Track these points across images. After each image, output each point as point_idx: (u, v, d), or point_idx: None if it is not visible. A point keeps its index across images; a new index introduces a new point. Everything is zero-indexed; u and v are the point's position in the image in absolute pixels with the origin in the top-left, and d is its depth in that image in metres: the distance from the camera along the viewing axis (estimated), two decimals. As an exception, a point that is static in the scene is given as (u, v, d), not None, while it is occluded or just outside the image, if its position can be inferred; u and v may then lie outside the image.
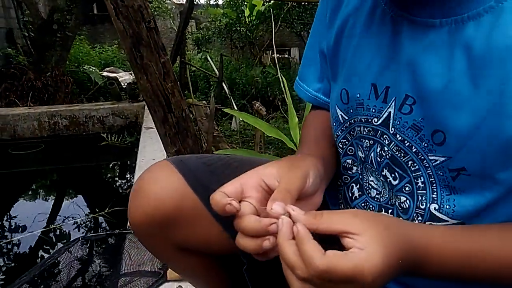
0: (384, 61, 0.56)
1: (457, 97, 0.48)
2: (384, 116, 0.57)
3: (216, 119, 4.24)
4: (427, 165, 0.53)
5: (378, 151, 0.59)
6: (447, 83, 0.48)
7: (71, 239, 2.09)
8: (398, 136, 0.55)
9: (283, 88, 2.62)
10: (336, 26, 0.65)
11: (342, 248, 0.42)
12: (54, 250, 2.08)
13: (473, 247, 0.48)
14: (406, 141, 0.54)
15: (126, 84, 5.04)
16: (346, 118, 0.64)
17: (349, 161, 0.67)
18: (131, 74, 5.56)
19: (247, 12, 7.54)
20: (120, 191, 3.28)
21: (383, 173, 0.59)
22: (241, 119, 3.12)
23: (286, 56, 9.53)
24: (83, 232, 2.44)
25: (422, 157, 0.53)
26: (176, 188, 0.67)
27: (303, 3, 7.11)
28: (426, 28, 0.51)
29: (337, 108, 0.66)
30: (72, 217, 2.60)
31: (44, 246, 2.31)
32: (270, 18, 6.21)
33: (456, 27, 0.48)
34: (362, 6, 0.61)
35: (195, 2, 3.99)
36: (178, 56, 4.36)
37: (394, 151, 0.56)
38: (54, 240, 2.36)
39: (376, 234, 0.42)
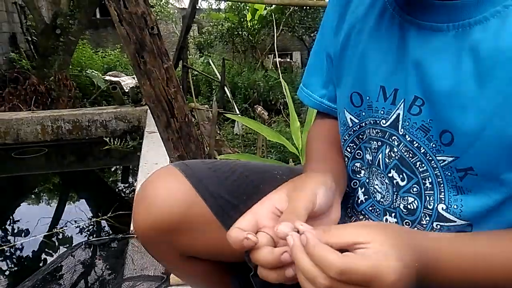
0: (392, 64, 0.57)
1: (464, 98, 0.49)
2: (393, 117, 0.57)
3: (218, 123, 4.25)
4: (434, 165, 0.54)
5: (386, 152, 0.59)
6: (454, 85, 0.49)
7: (74, 244, 2.10)
8: (407, 136, 0.56)
9: (285, 92, 2.62)
10: (343, 32, 0.66)
11: None
12: (57, 255, 2.09)
13: (480, 252, 0.48)
14: (415, 142, 0.55)
15: (128, 88, 5.06)
16: (357, 121, 0.64)
17: (358, 164, 0.67)
18: (133, 78, 5.58)
19: (249, 17, 7.57)
20: (123, 195, 3.28)
21: (390, 175, 0.59)
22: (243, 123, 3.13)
23: (288, 60, 9.54)
24: (86, 236, 2.45)
25: (430, 158, 0.54)
26: (184, 194, 0.66)
27: (305, 8, 7.13)
28: (433, 32, 0.52)
29: (345, 111, 0.66)
30: (75, 221, 2.61)
31: (47, 250, 2.32)
32: (272, 23, 6.24)
33: (463, 31, 0.49)
34: (370, 12, 0.62)
35: (197, 7, 4.01)
36: (181, 61, 4.37)
37: (403, 151, 0.57)
38: (57, 244, 2.37)
39: (387, 239, 0.42)
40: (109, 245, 1.98)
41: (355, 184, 0.69)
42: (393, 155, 0.58)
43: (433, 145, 0.53)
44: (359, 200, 0.68)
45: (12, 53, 5.99)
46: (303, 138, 2.07)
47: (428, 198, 0.56)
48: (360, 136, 0.65)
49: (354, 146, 0.67)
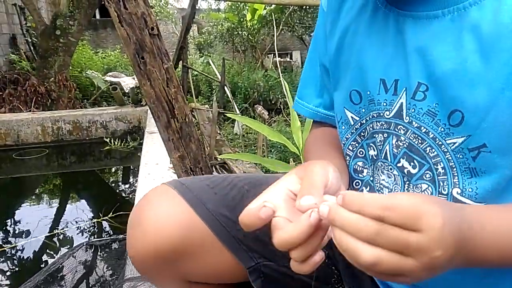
0: (390, 57, 0.58)
1: (471, 74, 0.49)
2: (396, 107, 0.58)
3: (218, 123, 4.25)
4: (445, 149, 0.54)
5: (393, 143, 0.59)
6: (459, 64, 0.50)
7: (75, 244, 2.10)
8: (414, 123, 0.56)
9: (285, 92, 2.62)
10: (337, 34, 0.67)
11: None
12: (58, 256, 2.09)
13: None
14: (422, 127, 0.55)
15: (129, 88, 5.06)
16: (357, 118, 0.65)
17: (360, 163, 0.67)
18: (133, 78, 5.58)
19: (248, 16, 7.58)
20: (124, 195, 3.29)
21: (399, 165, 0.59)
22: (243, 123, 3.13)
23: (288, 59, 9.56)
24: (87, 237, 2.45)
25: (440, 142, 0.54)
26: (182, 217, 0.63)
27: (304, 7, 7.13)
28: (430, 20, 0.53)
29: (345, 110, 0.66)
30: (76, 222, 2.61)
31: (48, 251, 2.32)
32: (272, 22, 6.24)
33: (459, 14, 0.50)
34: (362, 13, 0.63)
35: (197, 7, 4.01)
36: (181, 61, 4.38)
37: (411, 138, 0.57)
38: (58, 245, 2.37)
39: (426, 198, 0.41)
40: (110, 246, 1.97)
41: (357, 184, 0.69)
42: (401, 144, 0.58)
43: (442, 129, 0.53)
44: None
45: (12, 55, 6.00)
46: (303, 138, 2.07)
47: (442, 184, 0.55)
48: (362, 134, 0.65)
49: (356, 145, 0.67)
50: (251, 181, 0.72)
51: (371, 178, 0.66)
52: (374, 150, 0.63)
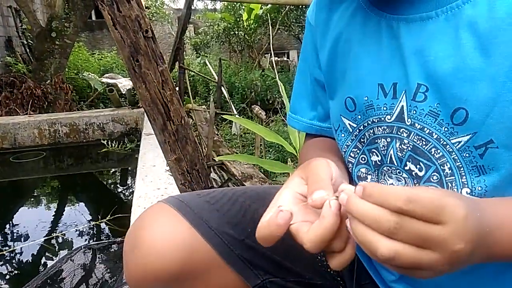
0: (386, 61, 0.57)
1: (472, 71, 0.49)
2: (397, 111, 0.57)
3: (216, 124, 4.25)
4: (450, 149, 0.53)
5: (397, 146, 0.58)
6: (459, 61, 0.50)
7: (74, 247, 2.10)
8: (417, 125, 0.55)
9: (281, 92, 2.62)
10: (328, 44, 0.67)
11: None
12: (57, 259, 2.09)
13: None
14: (425, 128, 0.54)
15: (125, 90, 5.05)
16: (355, 125, 0.64)
17: (363, 170, 0.66)
18: (130, 80, 5.56)
19: (245, 16, 7.57)
20: (122, 197, 3.28)
21: (407, 168, 0.58)
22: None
23: (285, 59, 9.56)
24: (85, 240, 2.44)
25: (445, 143, 0.53)
26: (183, 237, 0.60)
27: (300, 6, 7.12)
28: (424, 21, 0.53)
29: (342, 118, 0.66)
30: (75, 225, 2.61)
31: (47, 255, 2.32)
32: (268, 22, 6.23)
33: (453, 13, 0.50)
34: (352, 21, 0.63)
35: (193, 7, 4.00)
36: (177, 62, 4.37)
37: (415, 141, 0.56)
38: (56, 249, 2.36)
39: (446, 192, 0.41)
40: (108, 249, 1.97)
41: None
42: (405, 147, 0.57)
43: (445, 129, 0.53)
44: None
45: (8, 57, 5.98)
46: (300, 138, 2.07)
47: (450, 185, 0.54)
48: (362, 140, 0.64)
49: (358, 151, 0.66)
50: (251, 195, 0.71)
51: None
52: (378, 156, 0.62)
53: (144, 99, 1.34)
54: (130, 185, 3.48)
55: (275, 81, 5.76)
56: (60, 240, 2.45)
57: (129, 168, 3.94)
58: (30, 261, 2.26)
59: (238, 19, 7.84)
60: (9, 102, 4.96)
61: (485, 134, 0.50)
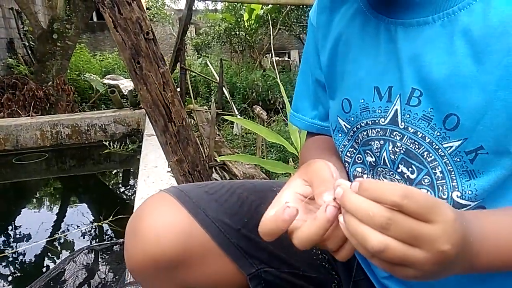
0: (383, 65, 0.58)
1: (465, 78, 0.50)
2: (391, 114, 0.58)
3: (217, 124, 4.25)
4: (442, 154, 0.54)
5: (390, 149, 0.59)
6: (452, 68, 0.50)
7: (76, 248, 2.10)
8: (410, 128, 0.56)
9: (282, 93, 2.62)
10: (328, 46, 0.68)
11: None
12: (60, 260, 2.09)
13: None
14: (418, 132, 0.55)
15: (127, 91, 5.06)
16: (349, 126, 0.65)
17: (359, 169, 0.67)
18: (132, 81, 5.56)
19: (246, 16, 7.57)
20: (124, 198, 3.29)
21: (399, 170, 0.59)
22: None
23: (286, 59, 9.56)
24: (88, 241, 2.45)
25: (437, 147, 0.54)
26: (182, 225, 0.62)
27: (301, 6, 7.12)
28: (420, 26, 0.54)
29: (339, 119, 0.67)
30: (77, 226, 2.61)
31: (49, 256, 2.32)
32: (269, 22, 6.24)
33: (449, 19, 0.51)
34: (352, 23, 0.64)
35: (193, 8, 4.01)
36: (178, 62, 4.38)
37: (408, 144, 0.57)
38: (59, 250, 2.37)
39: (435, 199, 0.41)
40: (111, 250, 1.98)
41: None
42: (397, 150, 0.58)
43: (438, 133, 0.53)
44: None
45: (10, 59, 6.00)
46: (301, 138, 2.07)
47: (441, 188, 0.55)
48: (357, 141, 0.65)
49: (354, 151, 0.67)
50: (248, 188, 0.73)
51: None
52: (372, 157, 0.63)
53: (145, 101, 1.34)
54: (132, 186, 3.49)
55: (276, 81, 5.76)
56: (62, 241, 2.46)
57: (131, 169, 3.95)
58: (33, 262, 2.27)
59: (239, 20, 7.84)
60: (11, 104, 4.97)
61: (476, 140, 0.51)
